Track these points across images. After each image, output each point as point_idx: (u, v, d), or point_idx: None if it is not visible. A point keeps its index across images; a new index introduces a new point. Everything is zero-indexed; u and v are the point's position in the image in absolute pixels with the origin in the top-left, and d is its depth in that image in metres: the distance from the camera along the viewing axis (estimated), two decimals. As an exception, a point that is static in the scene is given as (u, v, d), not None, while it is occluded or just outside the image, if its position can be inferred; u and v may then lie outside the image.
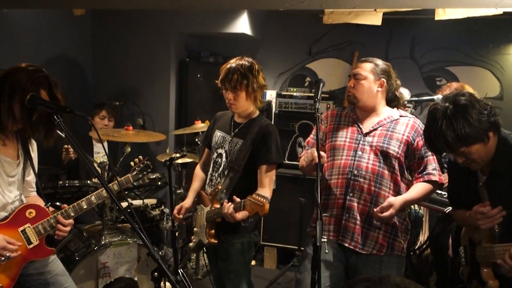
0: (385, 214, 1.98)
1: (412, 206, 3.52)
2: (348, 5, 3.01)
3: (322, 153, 1.98)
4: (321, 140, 2.22)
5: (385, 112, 2.21)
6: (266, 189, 2.17)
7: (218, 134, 2.35)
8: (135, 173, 2.45)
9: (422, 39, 4.11)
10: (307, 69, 4.46)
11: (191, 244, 2.36)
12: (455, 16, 3.03)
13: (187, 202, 2.40)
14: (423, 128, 2.04)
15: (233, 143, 2.25)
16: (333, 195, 2.15)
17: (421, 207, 3.47)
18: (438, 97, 3.40)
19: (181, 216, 2.38)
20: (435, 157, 2.11)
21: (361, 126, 2.18)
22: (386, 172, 2.10)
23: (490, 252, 1.79)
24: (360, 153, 2.12)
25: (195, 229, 2.33)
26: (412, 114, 3.43)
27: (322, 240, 1.70)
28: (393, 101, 2.25)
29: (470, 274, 1.93)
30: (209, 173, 2.36)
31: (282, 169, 3.84)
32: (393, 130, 2.14)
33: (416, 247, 3.42)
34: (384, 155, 2.10)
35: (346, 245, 2.10)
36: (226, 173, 2.22)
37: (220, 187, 2.21)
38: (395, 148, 2.10)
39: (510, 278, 1.73)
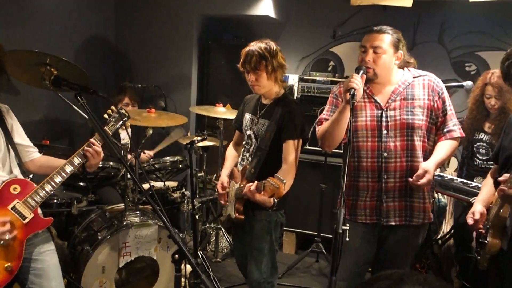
0: (423, 181, 1.99)
1: (436, 195, 3.46)
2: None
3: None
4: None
5: (397, 78, 2.15)
6: (288, 165, 2.19)
7: (247, 117, 2.43)
8: (111, 124, 2.25)
9: (452, 23, 3.95)
10: (331, 53, 4.37)
11: (222, 217, 2.45)
12: (491, -2, 2.88)
13: (224, 180, 2.44)
14: (439, 83, 2.13)
15: (260, 124, 2.32)
16: (364, 178, 2.13)
17: (445, 196, 3.39)
18: (467, 83, 3.29)
19: (225, 191, 2.41)
20: (454, 112, 2.14)
21: (378, 100, 2.12)
22: (415, 143, 2.08)
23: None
24: (385, 132, 2.08)
25: (226, 204, 2.42)
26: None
27: (343, 227, 1.67)
28: (406, 65, 2.21)
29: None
30: (241, 153, 2.46)
31: (303, 154, 3.83)
32: (412, 97, 2.09)
33: (439, 237, 3.36)
34: (410, 127, 2.07)
35: (393, 223, 2.11)
36: (255, 153, 2.30)
37: (248, 166, 2.29)
38: (419, 116, 2.07)
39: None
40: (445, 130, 2.13)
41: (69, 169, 2.00)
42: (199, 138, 2.81)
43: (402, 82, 2.12)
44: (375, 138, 2.09)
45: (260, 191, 2.02)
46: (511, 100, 2.82)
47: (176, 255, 1.65)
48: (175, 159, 3.49)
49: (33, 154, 2.13)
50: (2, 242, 1.81)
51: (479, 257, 1.92)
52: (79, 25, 3.96)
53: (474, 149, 3.00)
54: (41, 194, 1.93)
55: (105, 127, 2.22)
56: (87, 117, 1.87)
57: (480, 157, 2.97)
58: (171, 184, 3.49)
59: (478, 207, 1.97)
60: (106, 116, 2.26)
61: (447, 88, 3.39)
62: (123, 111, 2.28)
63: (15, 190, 1.91)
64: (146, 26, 4.36)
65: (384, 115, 2.09)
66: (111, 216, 2.87)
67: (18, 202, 1.90)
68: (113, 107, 2.29)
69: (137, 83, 4.15)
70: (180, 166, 3.50)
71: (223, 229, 3.75)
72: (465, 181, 2.84)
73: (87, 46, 4.12)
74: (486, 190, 2.06)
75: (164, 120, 3.21)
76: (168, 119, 3.26)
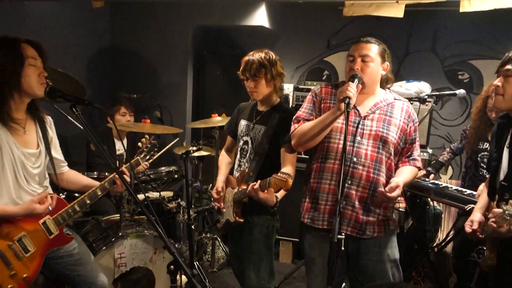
0: (394, 194, 1.98)
1: (431, 203, 3.47)
2: (370, -4, 2.96)
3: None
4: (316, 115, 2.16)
5: (380, 94, 2.17)
6: (289, 167, 2.25)
7: (243, 123, 2.47)
8: (143, 154, 2.44)
9: (445, 32, 4.01)
10: (325, 62, 4.41)
11: (218, 224, 2.47)
12: (481, 8, 2.92)
13: (220, 185, 2.48)
14: (415, 113, 2.19)
15: (256, 130, 2.38)
16: (327, 180, 2.10)
17: (440, 204, 3.40)
18: (460, 91, 3.32)
19: (220, 196, 2.46)
20: (419, 143, 2.21)
21: (358, 108, 2.12)
22: (384, 158, 2.09)
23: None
24: (359, 138, 2.08)
25: (223, 210, 2.45)
26: (432, 109, 3.40)
27: (339, 236, 1.67)
28: (386, 81, 2.21)
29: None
30: (236, 159, 2.49)
31: (299, 163, 3.85)
32: (390, 115, 2.12)
33: (435, 244, 3.36)
34: (383, 141, 2.08)
35: (343, 231, 2.05)
36: (252, 157, 2.35)
37: (247, 170, 2.33)
38: (393, 134, 2.09)
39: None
40: (410, 157, 2.17)
41: (99, 192, 2.12)
42: (194, 148, 2.81)
43: (384, 100, 2.15)
44: (347, 142, 2.05)
45: (264, 190, 2.07)
46: None
47: (172, 266, 1.64)
48: (171, 169, 3.49)
49: (63, 168, 2.23)
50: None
51: (480, 261, 1.93)
52: (75, 36, 3.97)
53: (478, 159, 3.00)
54: (71, 213, 2.04)
55: (137, 157, 2.39)
56: (82, 128, 1.87)
57: (485, 167, 2.97)
58: (167, 194, 3.48)
59: (476, 215, 1.97)
60: (140, 144, 2.44)
61: (440, 96, 3.44)
62: (155, 142, 2.45)
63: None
64: (142, 36, 4.39)
65: (361, 122, 2.10)
66: (106, 227, 2.85)
67: (49, 218, 2.00)
68: (146, 136, 2.46)
69: (132, 93, 4.16)
70: (176, 176, 3.49)
71: (219, 239, 3.73)
72: (459, 188, 2.85)
73: (82, 57, 4.14)
74: (483, 198, 2.07)
75: (160, 128, 3.22)
76: (163, 129, 3.27)
